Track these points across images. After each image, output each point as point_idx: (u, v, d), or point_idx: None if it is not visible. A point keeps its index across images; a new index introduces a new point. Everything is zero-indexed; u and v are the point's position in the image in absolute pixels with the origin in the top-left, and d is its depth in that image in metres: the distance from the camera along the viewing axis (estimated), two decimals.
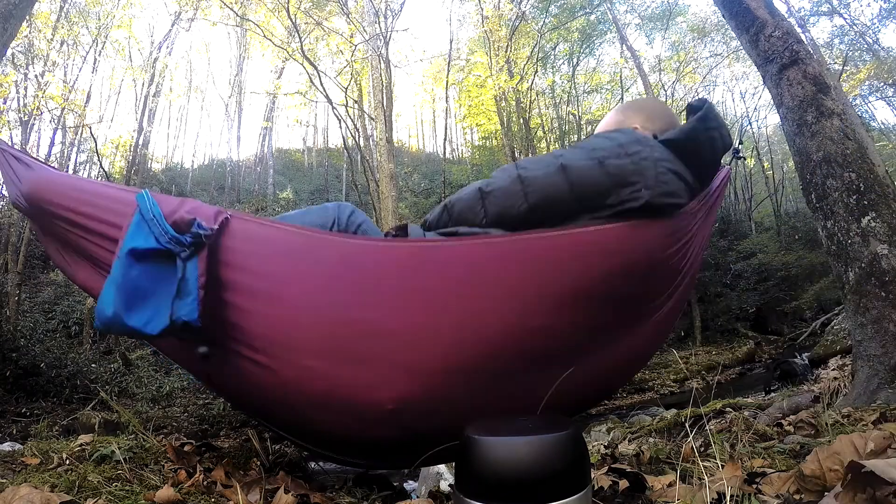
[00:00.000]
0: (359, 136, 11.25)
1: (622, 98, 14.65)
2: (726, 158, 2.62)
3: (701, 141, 1.02)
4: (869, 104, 15.92)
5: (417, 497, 1.28)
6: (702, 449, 1.18)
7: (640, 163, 0.91)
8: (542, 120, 15.62)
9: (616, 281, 0.92)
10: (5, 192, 10.63)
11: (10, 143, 1.69)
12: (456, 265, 0.89)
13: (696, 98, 1.06)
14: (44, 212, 1.15)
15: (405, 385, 0.88)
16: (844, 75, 12.35)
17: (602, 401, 1.41)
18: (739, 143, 2.80)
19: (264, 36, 10.39)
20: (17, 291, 8.08)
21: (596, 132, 1.17)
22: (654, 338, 1.24)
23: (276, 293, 0.92)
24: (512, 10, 13.08)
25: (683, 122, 1.10)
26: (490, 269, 0.88)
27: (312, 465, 1.43)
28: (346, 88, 10.30)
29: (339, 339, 0.89)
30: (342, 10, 10.37)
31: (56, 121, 11.31)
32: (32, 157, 1.43)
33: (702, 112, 1.02)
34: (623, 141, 0.96)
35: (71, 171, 13.85)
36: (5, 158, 1.27)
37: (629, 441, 2.10)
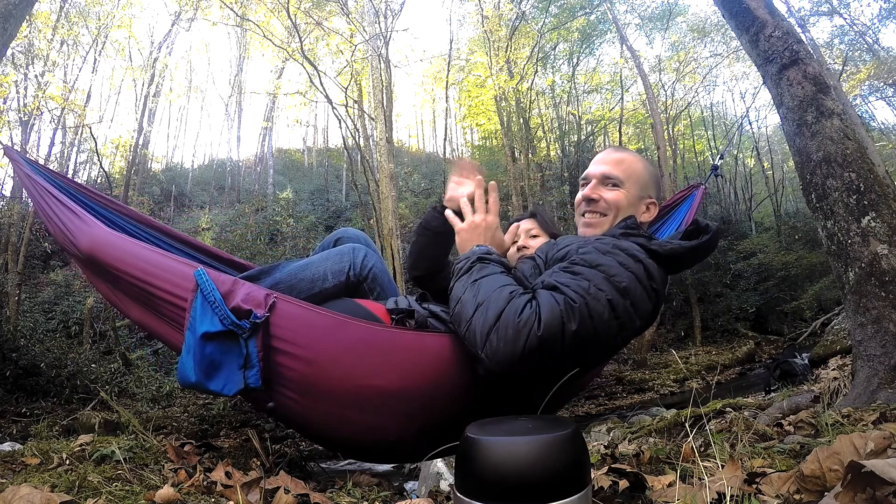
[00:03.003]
0: (359, 136, 11.25)
1: (622, 98, 14.66)
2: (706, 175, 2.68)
3: (697, 258, 1.21)
4: (869, 104, 15.95)
5: (417, 497, 1.28)
6: (702, 449, 1.18)
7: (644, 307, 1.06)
8: (542, 120, 15.62)
9: None
10: (6, 192, 10.61)
11: (35, 161, 1.80)
12: (439, 350, 1.15)
13: (704, 222, 1.19)
14: (103, 269, 1.36)
15: (402, 427, 1.19)
16: (844, 75, 12.36)
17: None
18: (720, 159, 2.82)
19: (264, 36, 10.39)
20: (17, 291, 8.08)
21: (621, 175, 1.27)
22: None
23: (314, 361, 1.17)
24: (512, 10, 13.08)
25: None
26: (451, 357, 1.14)
27: (312, 464, 1.43)
28: (346, 88, 10.29)
29: (357, 396, 1.15)
30: (342, 10, 10.37)
31: (56, 121, 11.32)
32: (64, 179, 1.59)
33: (709, 237, 1.17)
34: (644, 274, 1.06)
35: (71, 172, 13.85)
36: (43, 198, 1.51)
37: (629, 441, 2.10)
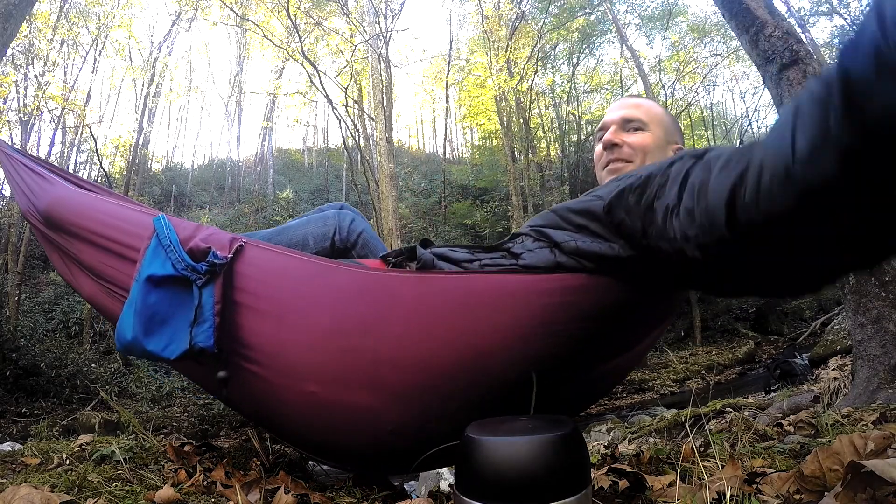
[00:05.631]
0: (359, 136, 11.26)
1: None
2: None
3: None
4: None
5: (417, 497, 1.28)
6: (702, 449, 1.18)
7: None
8: (542, 120, 15.62)
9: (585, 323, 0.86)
10: (6, 192, 10.63)
11: (22, 149, 1.66)
12: (452, 296, 0.88)
13: None
14: (59, 228, 1.16)
15: (403, 410, 0.92)
16: None
17: (591, 404, 1.37)
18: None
19: (264, 36, 10.40)
20: (17, 291, 8.08)
21: (651, 126, 1.06)
22: (643, 352, 1.18)
23: (286, 318, 0.94)
24: (512, 10, 13.09)
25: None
26: (480, 302, 0.85)
27: (312, 464, 1.44)
28: (346, 88, 10.30)
29: (342, 365, 0.91)
30: (342, 10, 10.37)
31: (56, 121, 11.33)
32: (48, 164, 1.44)
33: None
34: None
35: (71, 171, 13.83)
36: (15, 169, 1.27)
37: (629, 441, 2.10)
